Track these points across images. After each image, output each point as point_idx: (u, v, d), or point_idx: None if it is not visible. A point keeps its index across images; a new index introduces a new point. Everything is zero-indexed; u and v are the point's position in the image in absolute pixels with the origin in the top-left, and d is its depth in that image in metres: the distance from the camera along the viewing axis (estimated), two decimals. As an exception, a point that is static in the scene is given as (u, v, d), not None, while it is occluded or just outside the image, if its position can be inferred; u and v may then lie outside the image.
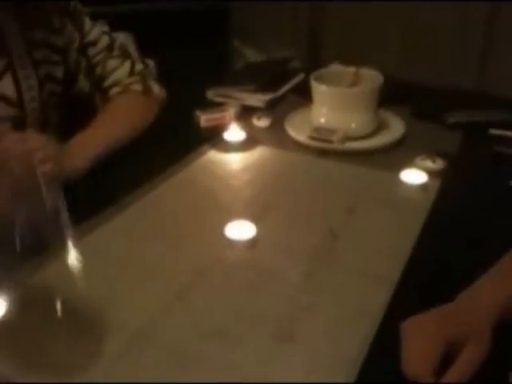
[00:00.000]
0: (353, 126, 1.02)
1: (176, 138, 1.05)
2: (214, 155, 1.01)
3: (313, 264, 0.72)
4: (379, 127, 1.05)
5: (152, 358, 0.58)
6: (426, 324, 0.58)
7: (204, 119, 1.11)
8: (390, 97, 1.09)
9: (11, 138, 0.78)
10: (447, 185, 0.88)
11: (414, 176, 0.89)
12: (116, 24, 1.10)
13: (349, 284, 0.68)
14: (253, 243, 0.75)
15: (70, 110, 1.06)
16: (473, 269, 0.63)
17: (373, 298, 0.65)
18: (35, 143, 0.79)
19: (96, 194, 0.88)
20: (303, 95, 1.13)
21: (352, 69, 1.10)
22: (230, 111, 1.12)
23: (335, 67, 1.17)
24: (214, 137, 1.05)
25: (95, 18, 1.07)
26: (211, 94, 1.22)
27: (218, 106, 1.16)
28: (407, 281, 0.68)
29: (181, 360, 0.58)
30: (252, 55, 1.66)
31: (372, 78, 1.06)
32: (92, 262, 0.65)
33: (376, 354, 0.58)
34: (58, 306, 0.63)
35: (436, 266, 0.70)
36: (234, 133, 1.05)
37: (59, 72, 1.00)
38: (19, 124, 0.93)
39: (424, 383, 0.54)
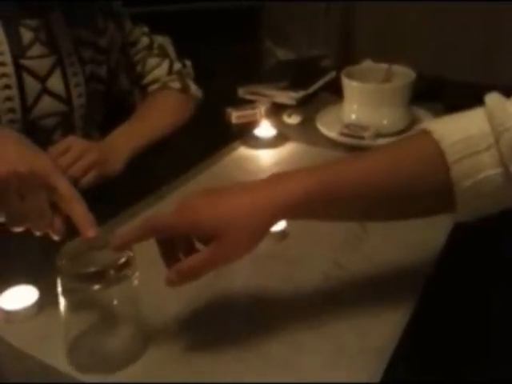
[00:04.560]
0: (384, 122, 1.02)
1: (207, 133, 1.06)
2: (244, 151, 1.01)
3: (342, 255, 0.72)
4: (411, 124, 1.04)
5: (184, 341, 0.59)
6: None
7: (235, 116, 1.11)
8: (423, 93, 1.07)
9: (51, 152, 0.81)
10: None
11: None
12: (153, 23, 1.13)
13: (378, 275, 0.68)
14: (283, 235, 0.75)
15: (112, 109, 1.09)
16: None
17: (403, 290, 0.65)
18: (76, 153, 0.82)
19: (128, 189, 0.90)
20: (334, 93, 1.13)
21: (384, 65, 1.09)
22: (261, 108, 1.12)
23: (367, 64, 1.16)
24: (244, 133, 1.05)
25: (134, 17, 1.10)
26: (242, 92, 1.23)
27: (249, 103, 1.16)
28: (439, 273, 0.67)
29: (210, 344, 0.59)
30: (284, 55, 1.66)
31: (404, 74, 1.05)
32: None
33: (405, 348, 0.57)
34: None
35: (469, 258, 0.69)
36: (265, 129, 1.05)
37: (103, 71, 1.03)
38: (66, 119, 0.96)
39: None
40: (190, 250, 0.57)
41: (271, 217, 0.55)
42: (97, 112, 1.05)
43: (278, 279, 0.68)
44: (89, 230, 0.58)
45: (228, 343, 0.59)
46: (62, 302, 0.56)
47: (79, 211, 0.59)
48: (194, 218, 0.55)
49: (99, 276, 0.53)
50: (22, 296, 0.64)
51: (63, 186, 0.60)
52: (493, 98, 0.56)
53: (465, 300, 0.64)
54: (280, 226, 0.75)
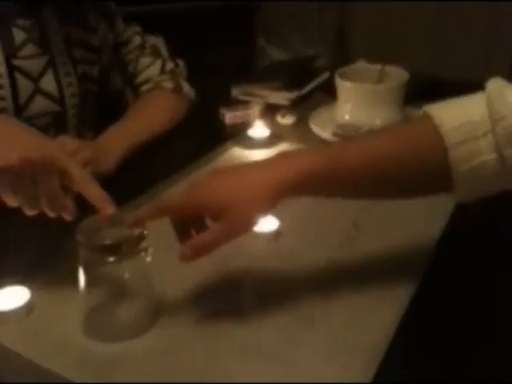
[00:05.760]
0: (378, 122, 1.02)
1: (201, 134, 1.06)
2: (237, 151, 1.01)
3: (335, 253, 0.72)
4: (405, 124, 1.04)
5: (175, 336, 0.60)
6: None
7: (229, 116, 1.11)
8: (418, 93, 1.07)
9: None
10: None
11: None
12: (145, 22, 1.12)
13: (372, 273, 0.68)
14: (276, 236, 0.75)
15: (105, 109, 1.09)
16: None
17: (396, 288, 0.65)
18: (68, 152, 0.82)
19: (120, 188, 0.89)
20: (328, 93, 1.13)
21: (378, 66, 1.09)
22: (255, 109, 1.12)
23: (361, 64, 1.16)
24: (238, 133, 1.05)
25: (127, 17, 1.10)
26: (236, 92, 1.23)
27: (242, 103, 1.16)
28: (432, 270, 0.68)
29: (204, 338, 0.60)
30: (277, 54, 1.66)
31: (398, 74, 1.05)
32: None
33: (398, 344, 0.57)
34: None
35: (463, 256, 0.70)
36: (258, 130, 1.05)
37: (95, 71, 1.02)
38: (59, 119, 0.96)
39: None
40: (202, 227, 0.61)
41: (275, 194, 0.58)
42: (90, 111, 1.04)
43: (271, 276, 0.69)
44: (107, 208, 0.61)
45: (219, 337, 0.60)
46: (81, 274, 0.59)
47: (95, 191, 0.62)
48: (204, 198, 0.60)
49: (114, 249, 0.57)
50: (13, 296, 0.63)
51: (76, 169, 0.62)
52: (494, 84, 0.58)
53: (463, 288, 0.65)
54: (273, 226, 0.75)
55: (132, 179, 0.91)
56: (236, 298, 0.66)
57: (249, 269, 0.71)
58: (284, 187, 0.58)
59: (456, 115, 0.57)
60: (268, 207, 0.59)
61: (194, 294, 0.66)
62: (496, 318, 0.62)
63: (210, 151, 0.99)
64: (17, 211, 0.62)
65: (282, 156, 0.61)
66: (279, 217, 0.76)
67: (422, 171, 0.59)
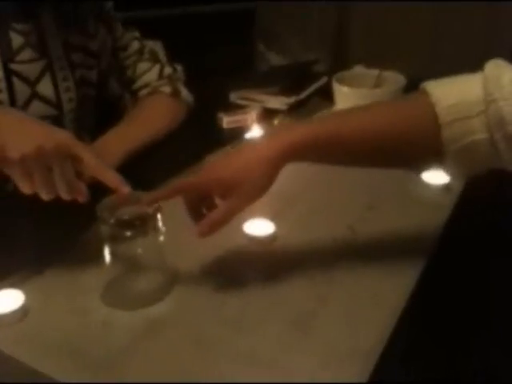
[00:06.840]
0: (375, 127, 1.02)
1: (199, 138, 1.06)
2: (235, 156, 1.01)
3: (331, 258, 0.72)
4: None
5: (171, 342, 0.60)
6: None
7: (226, 121, 1.12)
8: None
9: None
10: (471, 186, 0.87)
11: (436, 176, 0.88)
12: (142, 27, 1.13)
13: (367, 278, 0.68)
14: (272, 240, 0.75)
15: (103, 114, 1.09)
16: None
17: (391, 293, 0.65)
18: None
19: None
20: (326, 98, 1.13)
21: (375, 71, 1.10)
22: (252, 113, 1.12)
23: (358, 69, 1.17)
24: (236, 138, 1.05)
25: (125, 22, 1.10)
26: (234, 97, 1.23)
27: (240, 107, 1.16)
28: (427, 276, 0.68)
29: (199, 344, 0.60)
30: (276, 60, 1.66)
31: (395, 79, 1.05)
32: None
33: (393, 349, 0.57)
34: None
35: (458, 263, 0.70)
36: (256, 134, 1.05)
37: (93, 76, 1.02)
38: (56, 123, 0.95)
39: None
40: (211, 206, 0.67)
41: (271, 166, 0.62)
42: (88, 116, 1.04)
43: (267, 280, 0.69)
44: (123, 188, 0.66)
45: (214, 343, 0.59)
46: (105, 248, 0.65)
47: (110, 174, 0.68)
48: (213, 177, 0.65)
49: (131, 225, 0.63)
50: (8, 300, 0.63)
51: (90, 156, 0.67)
52: (491, 66, 0.59)
53: (463, 280, 0.66)
54: (269, 230, 0.75)
55: (129, 183, 0.91)
56: (231, 301, 0.66)
57: (244, 273, 0.71)
58: (278, 158, 0.62)
59: (452, 94, 0.59)
60: (267, 180, 0.62)
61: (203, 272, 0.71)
62: (495, 307, 0.63)
63: (208, 155, 1.00)
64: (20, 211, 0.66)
65: (276, 129, 0.67)
66: (275, 221, 0.76)
67: (416, 146, 0.62)
